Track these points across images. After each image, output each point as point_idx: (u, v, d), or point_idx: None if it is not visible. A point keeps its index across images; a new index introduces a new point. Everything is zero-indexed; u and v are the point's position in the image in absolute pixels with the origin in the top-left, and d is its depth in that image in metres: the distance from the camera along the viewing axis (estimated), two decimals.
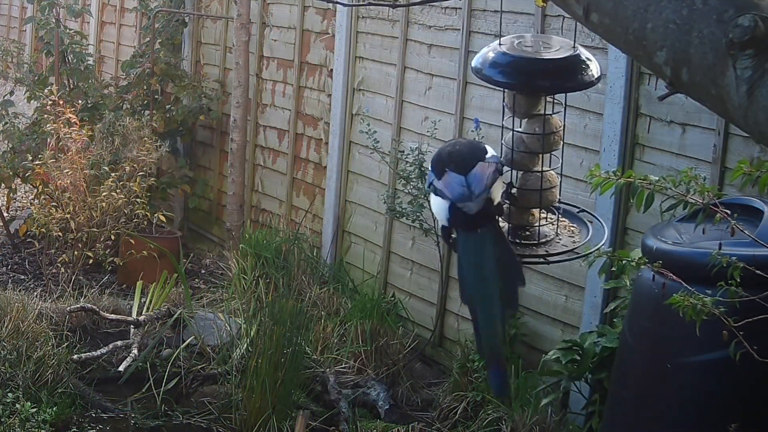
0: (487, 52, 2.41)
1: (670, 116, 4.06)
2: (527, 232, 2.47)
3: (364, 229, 5.84)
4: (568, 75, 2.40)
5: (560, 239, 2.48)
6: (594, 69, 2.39)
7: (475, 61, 2.43)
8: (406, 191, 5.23)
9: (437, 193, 2.37)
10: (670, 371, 3.08)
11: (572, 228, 2.52)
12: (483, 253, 2.30)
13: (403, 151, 5.29)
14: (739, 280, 2.25)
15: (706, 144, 3.92)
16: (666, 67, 1.63)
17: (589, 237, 2.49)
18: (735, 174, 2.24)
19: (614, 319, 4.00)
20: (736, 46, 1.52)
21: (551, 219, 2.50)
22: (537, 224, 2.46)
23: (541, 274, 4.64)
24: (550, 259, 2.46)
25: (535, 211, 2.47)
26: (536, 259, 2.48)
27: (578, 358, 3.92)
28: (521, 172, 2.45)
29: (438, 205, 2.38)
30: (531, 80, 2.40)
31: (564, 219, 2.53)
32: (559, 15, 4.51)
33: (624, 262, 2.57)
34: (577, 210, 2.58)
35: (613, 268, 2.76)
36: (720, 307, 2.26)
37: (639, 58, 1.70)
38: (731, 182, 3.77)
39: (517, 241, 2.46)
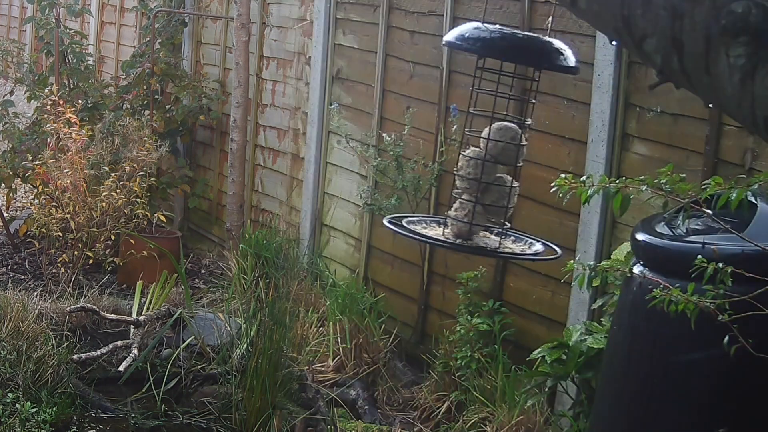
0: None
1: (660, 106, 3.95)
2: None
3: (343, 222, 5.71)
4: (540, 53, 2.42)
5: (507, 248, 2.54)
6: (570, 57, 2.41)
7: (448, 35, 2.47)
8: (386, 183, 5.13)
9: None
10: (660, 369, 3.00)
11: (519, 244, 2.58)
12: None
13: (383, 143, 5.18)
14: (729, 284, 2.22)
15: (698, 134, 3.83)
16: (656, 55, 1.60)
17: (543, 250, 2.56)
18: (708, 191, 2.21)
19: (602, 318, 3.91)
20: (728, 33, 1.49)
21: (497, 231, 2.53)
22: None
23: (526, 269, 4.54)
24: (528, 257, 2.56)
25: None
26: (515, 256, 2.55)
27: (564, 357, 3.81)
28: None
29: None
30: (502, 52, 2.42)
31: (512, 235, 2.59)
32: (546, 0, 4.40)
33: (607, 272, 2.49)
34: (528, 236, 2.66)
35: (596, 278, 2.69)
36: (707, 303, 2.18)
37: (628, 45, 1.67)
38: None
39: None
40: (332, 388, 4.87)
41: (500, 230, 2.51)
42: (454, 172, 2.54)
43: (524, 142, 2.51)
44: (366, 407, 4.75)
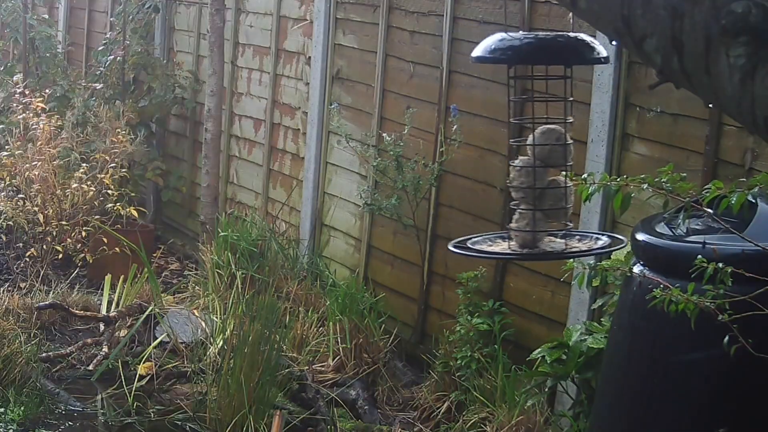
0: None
1: (660, 106, 3.93)
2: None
3: (343, 222, 5.70)
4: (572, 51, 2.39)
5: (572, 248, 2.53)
6: (601, 49, 2.38)
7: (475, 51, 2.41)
8: (386, 183, 5.11)
9: None
10: (660, 369, 2.99)
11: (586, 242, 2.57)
12: None
13: (383, 143, 5.17)
14: (729, 284, 2.21)
15: (698, 134, 3.80)
16: (656, 55, 1.57)
17: (609, 243, 2.55)
18: (709, 196, 2.18)
19: (602, 318, 3.89)
20: (729, 33, 1.46)
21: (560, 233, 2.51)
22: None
23: (527, 269, 4.52)
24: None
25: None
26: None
27: (564, 357, 3.80)
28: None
29: None
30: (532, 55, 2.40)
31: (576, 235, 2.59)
32: (546, 1, 4.39)
33: (607, 272, 2.48)
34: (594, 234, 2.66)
35: (596, 277, 2.68)
36: (707, 303, 2.17)
37: (628, 45, 1.64)
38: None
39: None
40: (332, 388, 4.84)
41: (564, 232, 2.51)
42: (507, 185, 2.55)
43: (569, 141, 2.51)
44: (366, 407, 4.72)
